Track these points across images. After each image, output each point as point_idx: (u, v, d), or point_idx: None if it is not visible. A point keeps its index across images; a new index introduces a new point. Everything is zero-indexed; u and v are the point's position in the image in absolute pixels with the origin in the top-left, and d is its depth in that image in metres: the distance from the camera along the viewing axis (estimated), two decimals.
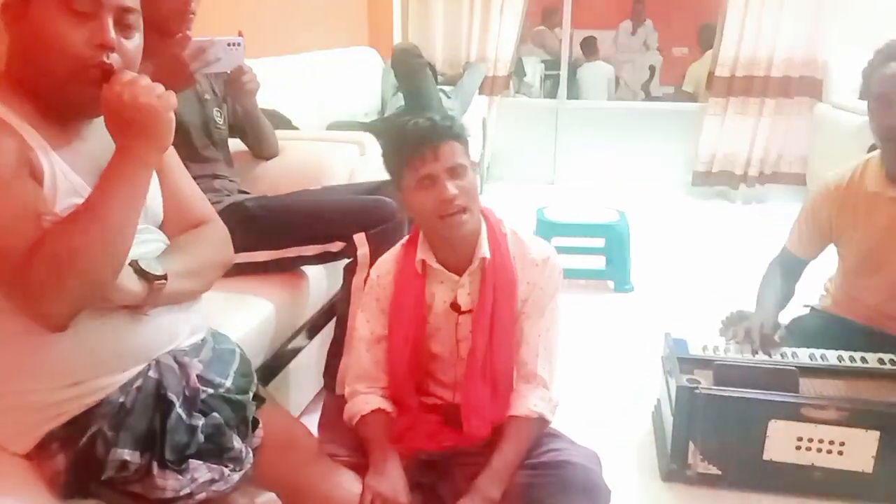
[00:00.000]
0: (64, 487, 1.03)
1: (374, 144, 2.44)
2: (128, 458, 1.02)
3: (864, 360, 1.82)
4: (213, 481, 1.08)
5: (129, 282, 1.02)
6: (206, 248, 1.19)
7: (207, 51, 1.61)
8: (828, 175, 1.94)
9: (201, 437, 1.08)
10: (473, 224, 1.36)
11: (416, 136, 1.31)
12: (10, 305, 0.96)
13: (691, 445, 1.75)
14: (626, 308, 2.97)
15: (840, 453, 1.68)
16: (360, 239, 1.77)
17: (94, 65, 1.00)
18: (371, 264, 1.72)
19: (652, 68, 7.69)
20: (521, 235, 1.45)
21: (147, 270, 1.04)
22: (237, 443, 1.13)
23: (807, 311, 2.05)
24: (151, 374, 1.09)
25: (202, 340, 1.20)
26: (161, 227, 1.19)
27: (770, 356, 1.82)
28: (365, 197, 1.93)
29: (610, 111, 5.20)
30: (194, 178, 1.29)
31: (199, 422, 1.08)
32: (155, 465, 1.04)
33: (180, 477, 1.04)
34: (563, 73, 5.13)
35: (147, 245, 1.12)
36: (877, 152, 1.82)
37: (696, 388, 1.71)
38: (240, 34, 1.71)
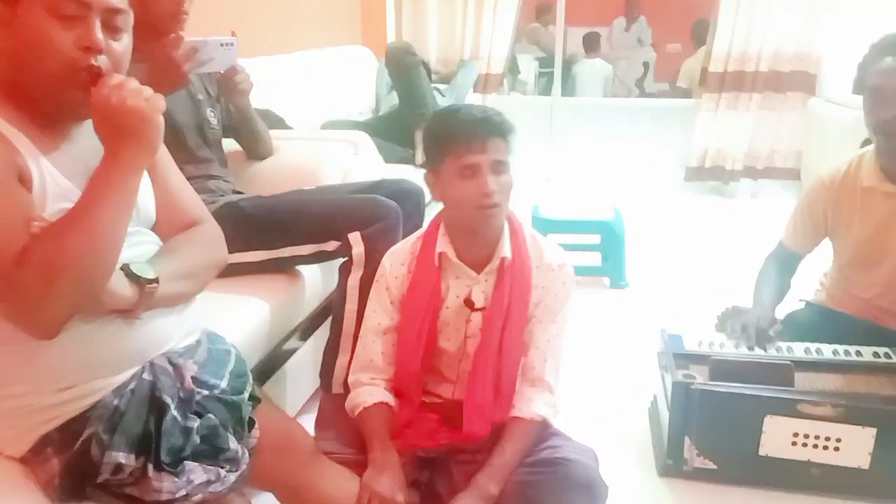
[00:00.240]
0: (59, 490, 1.03)
1: (368, 144, 2.43)
2: (123, 460, 1.02)
3: (859, 353, 1.82)
4: (209, 482, 1.08)
5: (121, 286, 1.01)
6: (199, 250, 1.19)
7: (200, 51, 1.61)
8: (823, 170, 1.94)
9: (197, 439, 1.07)
10: (501, 221, 1.38)
11: (468, 124, 1.32)
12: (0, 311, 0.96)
13: (687, 441, 1.75)
14: (622, 304, 2.97)
15: (836, 449, 1.68)
16: (354, 238, 1.77)
17: (83, 68, 0.99)
18: (366, 263, 1.73)
19: (646, 65, 7.69)
20: (539, 240, 1.46)
21: (138, 274, 1.03)
22: (233, 444, 1.13)
23: (802, 305, 2.05)
24: (146, 376, 1.08)
25: (197, 342, 1.19)
26: (154, 229, 1.18)
27: (766, 351, 1.83)
28: (360, 196, 1.93)
29: (604, 108, 5.19)
30: (188, 178, 1.29)
31: (195, 423, 1.08)
32: (150, 467, 1.03)
33: (176, 479, 1.04)
34: (557, 70, 5.12)
35: (139, 247, 1.11)
36: (871, 147, 1.83)
37: (692, 383, 1.72)
38: (233, 34, 1.71)
